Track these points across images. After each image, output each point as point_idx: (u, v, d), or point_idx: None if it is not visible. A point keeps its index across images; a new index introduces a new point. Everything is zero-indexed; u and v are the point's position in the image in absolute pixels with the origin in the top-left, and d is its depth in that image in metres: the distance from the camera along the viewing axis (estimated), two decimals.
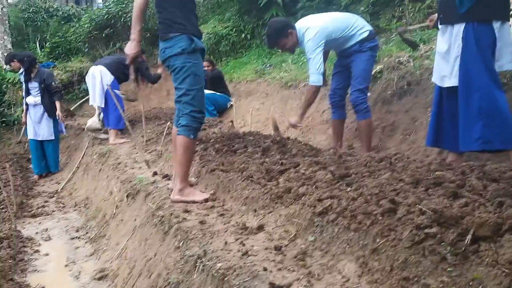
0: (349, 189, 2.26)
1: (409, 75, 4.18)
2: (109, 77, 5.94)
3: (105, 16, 9.53)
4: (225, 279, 1.85)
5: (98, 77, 5.96)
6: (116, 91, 5.34)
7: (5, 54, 9.65)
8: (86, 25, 9.98)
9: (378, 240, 1.71)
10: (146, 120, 5.86)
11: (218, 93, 6.68)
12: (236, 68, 7.92)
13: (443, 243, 1.52)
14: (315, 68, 3.78)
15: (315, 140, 4.83)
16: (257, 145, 3.73)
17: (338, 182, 2.44)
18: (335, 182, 2.44)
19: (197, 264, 2.15)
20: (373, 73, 4.45)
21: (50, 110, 6.63)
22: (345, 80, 4.08)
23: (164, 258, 2.58)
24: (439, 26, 3.01)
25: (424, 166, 2.38)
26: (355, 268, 1.74)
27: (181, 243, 2.46)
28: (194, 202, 3.01)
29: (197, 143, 4.12)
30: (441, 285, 1.41)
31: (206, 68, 6.28)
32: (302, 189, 2.45)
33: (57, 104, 6.61)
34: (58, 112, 6.60)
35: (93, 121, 6.38)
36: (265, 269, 1.86)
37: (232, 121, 5.60)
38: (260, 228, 2.36)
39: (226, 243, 2.23)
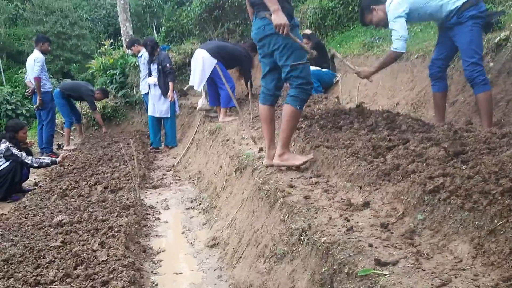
0: (464, 166, 2.11)
1: None
2: (210, 62, 6.09)
3: None
4: (330, 252, 1.87)
5: (200, 61, 6.19)
6: None
7: (127, 40, 10.57)
8: (196, 8, 10.45)
9: (496, 221, 1.58)
10: (252, 98, 6.02)
11: (323, 69, 6.58)
12: (343, 42, 7.70)
13: None
14: (398, 35, 3.69)
15: (428, 115, 4.54)
16: (364, 121, 3.63)
17: (452, 159, 2.29)
18: (448, 159, 2.29)
19: (302, 237, 2.20)
20: (496, 40, 4.03)
21: (164, 90, 7.15)
22: (447, 52, 3.87)
23: (270, 230, 2.68)
24: None
25: None
26: (468, 249, 1.63)
27: (286, 216, 2.52)
28: (294, 165, 3.16)
29: (302, 119, 4.15)
30: None
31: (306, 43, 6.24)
32: (412, 166, 2.35)
33: (170, 84, 7.09)
34: (169, 92, 7.08)
35: (203, 103, 6.73)
36: (370, 245, 1.83)
37: (338, 97, 5.50)
38: (366, 205, 2.32)
39: (330, 218, 2.23)
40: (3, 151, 5.22)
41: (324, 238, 1.99)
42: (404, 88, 5.24)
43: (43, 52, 7.30)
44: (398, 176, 2.36)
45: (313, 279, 1.95)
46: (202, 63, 6.14)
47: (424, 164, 2.33)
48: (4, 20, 24.71)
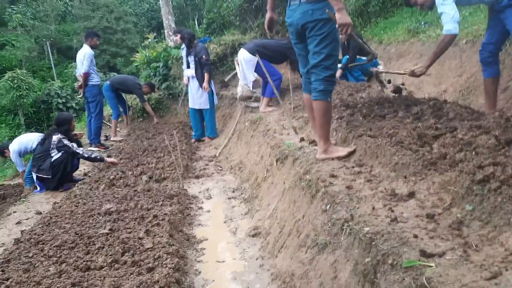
0: None
1: None
2: (250, 61, 6.22)
3: None
4: (373, 243, 1.84)
5: (241, 62, 6.39)
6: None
7: (170, 33, 10.75)
8: None
9: None
10: (293, 88, 5.98)
11: (363, 58, 6.43)
12: (387, 28, 7.48)
13: None
14: (449, 17, 3.49)
15: (477, 102, 4.34)
16: (409, 110, 3.52)
17: (503, 147, 2.18)
18: (499, 148, 2.19)
19: (344, 227, 2.17)
20: None
21: (202, 81, 7.23)
22: (498, 35, 3.70)
23: (312, 220, 2.66)
24: None
25: None
26: None
27: (328, 206, 2.50)
28: (339, 157, 3.16)
29: (343, 108, 4.08)
30: None
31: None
32: (460, 155, 2.26)
33: (206, 75, 7.16)
34: (204, 83, 7.15)
35: (242, 90, 6.75)
36: (415, 236, 1.78)
37: (381, 85, 5.37)
38: (411, 195, 2.26)
39: (373, 208, 2.19)
40: (56, 143, 5.47)
41: (367, 229, 1.96)
42: (452, 74, 5.04)
43: (92, 47, 7.56)
44: (445, 165, 2.27)
45: (356, 270, 1.93)
46: (243, 64, 6.33)
47: (473, 153, 2.23)
48: (54, 17, 25.79)
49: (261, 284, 2.72)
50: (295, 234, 2.85)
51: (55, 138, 5.50)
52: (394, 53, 6.62)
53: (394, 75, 5.00)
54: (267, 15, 3.45)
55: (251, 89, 6.60)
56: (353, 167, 2.98)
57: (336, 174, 2.86)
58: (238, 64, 6.80)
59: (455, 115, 3.16)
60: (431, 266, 1.54)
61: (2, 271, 2.93)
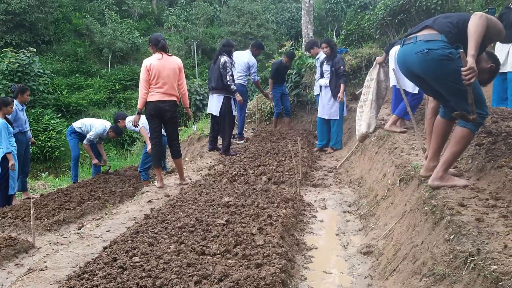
0: None
1: None
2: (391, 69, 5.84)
3: (400, 2, 9.53)
4: (500, 283, 1.65)
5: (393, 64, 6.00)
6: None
7: (307, 42, 10.91)
8: (380, 12, 10.22)
9: None
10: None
11: None
12: None
13: None
14: None
15: None
16: None
17: None
18: None
19: (468, 261, 1.99)
20: None
21: (335, 92, 7.24)
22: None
23: (431, 248, 2.48)
24: None
25: None
26: None
27: (452, 236, 2.31)
28: (454, 186, 2.99)
29: (485, 135, 3.73)
30: None
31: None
32: None
33: (341, 86, 7.17)
34: (339, 94, 7.13)
35: (365, 130, 6.02)
36: None
37: None
38: None
39: (505, 246, 1.97)
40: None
41: (495, 267, 1.77)
42: None
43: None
44: None
45: None
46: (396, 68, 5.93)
47: None
48: (204, 21, 28.10)
49: None
50: (410, 259, 2.68)
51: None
52: None
53: None
54: None
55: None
56: (487, 199, 2.71)
57: (466, 204, 2.63)
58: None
59: None
60: None
61: (132, 240, 3.29)
